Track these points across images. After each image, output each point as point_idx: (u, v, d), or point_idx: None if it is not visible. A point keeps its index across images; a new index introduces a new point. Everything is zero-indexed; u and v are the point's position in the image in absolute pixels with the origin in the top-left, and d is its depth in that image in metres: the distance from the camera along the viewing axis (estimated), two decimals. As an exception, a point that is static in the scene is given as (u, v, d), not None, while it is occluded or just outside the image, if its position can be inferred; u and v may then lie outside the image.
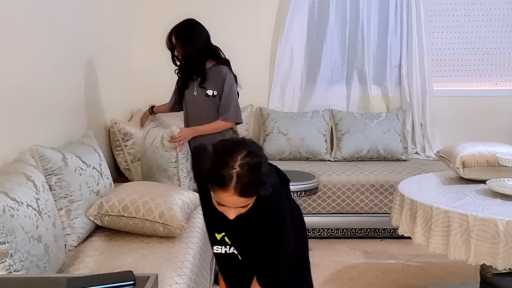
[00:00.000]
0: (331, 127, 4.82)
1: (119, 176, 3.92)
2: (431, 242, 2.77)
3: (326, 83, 4.94)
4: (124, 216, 2.77)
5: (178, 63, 3.41)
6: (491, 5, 4.87)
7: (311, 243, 4.10)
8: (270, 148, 4.70)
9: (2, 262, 1.90)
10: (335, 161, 4.68)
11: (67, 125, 3.19)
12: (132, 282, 1.59)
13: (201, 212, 2.20)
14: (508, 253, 2.55)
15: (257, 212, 1.74)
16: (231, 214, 1.69)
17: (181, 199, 2.89)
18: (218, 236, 1.96)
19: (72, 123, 3.26)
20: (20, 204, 2.09)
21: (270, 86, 4.96)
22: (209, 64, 3.37)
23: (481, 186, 3.09)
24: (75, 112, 3.34)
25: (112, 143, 3.92)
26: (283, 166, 4.39)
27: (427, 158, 4.82)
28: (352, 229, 4.28)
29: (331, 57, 4.89)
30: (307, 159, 4.70)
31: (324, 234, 4.28)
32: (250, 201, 1.68)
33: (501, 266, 2.56)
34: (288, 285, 1.98)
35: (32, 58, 2.76)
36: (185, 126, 3.53)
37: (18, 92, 2.60)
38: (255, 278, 1.90)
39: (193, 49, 3.30)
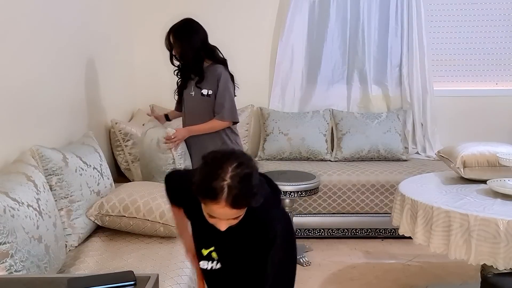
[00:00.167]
0: (332, 127, 4.82)
1: (120, 176, 3.91)
2: (432, 242, 2.77)
3: (326, 83, 4.94)
4: (124, 216, 2.77)
5: (176, 63, 3.41)
6: (492, 5, 4.87)
7: (312, 243, 4.13)
8: (271, 148, 4.70)
9: (3, 262, 1.91)
10: (335, 161, 4.68)
11: (67, 125, 3.19)
12: (132, 283, 1.59)
13: None
14: (509, 253, 2.55)
15: (247, 223, 1.73)
16: (223, 226, 1.68)
17: (181, 199, 2.89)
18: (205, 252, 1.94)
19: (72, 123, 3.26)
20: (20, 204, 2.09)
21: (270, 86, 4.96)
22: (206, 64, 3.37)
23: (482, 186, 3.09)
24: (76, 112, 3.34)
25: (112, 143, 3.92)
26: (283, 166, 4.47)
27: (427, 158, 4.82)
28: (353, 229, 4.28)
29: (331, 57, 4.89)
30: (308, 159, 4.70)
31: (324, 234, 4.28)
32: (241, 213, 1.67)
33: (501, 266, 2.56)
34: None
35: (33, 58, 2.76)
36: (183, 126, 3.53)
37: (18, 92, 2.60)
38: None
39: (190, 48, 3.30)
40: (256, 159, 4.73)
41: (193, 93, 3.39)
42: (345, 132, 4.72)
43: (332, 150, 4.78)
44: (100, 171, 2.96)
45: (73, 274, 2.19)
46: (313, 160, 4.68)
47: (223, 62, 3.38)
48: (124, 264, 2.47)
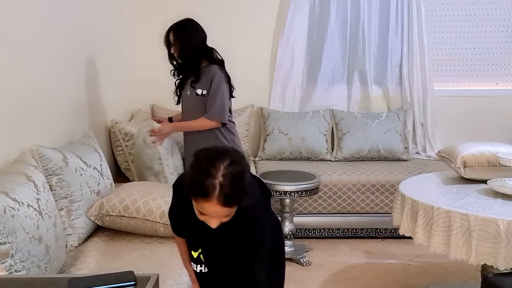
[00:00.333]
0: (332, 127, 4.82)
1: (120, 176, 3.91)
2: (432, 242, 2.77)
3: (327, 83, 4.94)
4: (125, 216, 2.77)
5: (174, 62, 3.41)
6: (492, 5, 4.87)
7: (312, 243, 4.13)
8: (271, 148, 4.70)
9: (3, 262, 1.90)
10: (336, 161, 4.68)
11: (67, 125, 3.19)
12: (133, 283, 1.59)
13: None
14: (509, 253, 2.55)
15: (236, 225, 1.72)
16: (213, 223, 1.67)
17: (182, 199, 2.89)
18: (195, 254, 1.94)
19: (72, 123, 3.26)
20: (20, 204, 2.09)
21: (270, 86, 4.96)
22: (203, 64, 3.38)
23: (482, 186, 3.08)
24: (76, 112, 3.34)
25: (112, 143, 3.92)
26: (284, 166, 4.47)
27: (428, 158, 4.82)
28: (353, 229, 4.28)
29: (332, 57, 4.89)
30: (308, 159, 4.69)
31: (325, 234, 4.28)
32: (232, 211, 1.66)
33: (502, 266, 2.56)
34: None
35: (32, 58, 2.75)
36: None
37: (18, 92, 2.60)
38: None
39: (189, 47, 3.31)
40: (257, 159, 4.73)
41: (189, 93, 3.41)
42: (346, 132, 4.72)
43: (333, 150, 4.77)
44: (100, 171, 2.96)
45: (73, 274, 2.19)
46: (313, 160, 4.68)
47: (219, 63, 3.37)
48: (124, 264, 2.47)
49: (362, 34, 4.82)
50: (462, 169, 3.19)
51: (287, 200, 3.84)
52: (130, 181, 3.73)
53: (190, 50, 3.31)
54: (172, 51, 3.35)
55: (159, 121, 3.63)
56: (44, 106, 2.87)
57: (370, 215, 4.25)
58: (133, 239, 2.80)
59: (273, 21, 4.90)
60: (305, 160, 4.68)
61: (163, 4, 4.75)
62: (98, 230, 2.88)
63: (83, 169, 2.77)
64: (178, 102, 3.57)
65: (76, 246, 2.66)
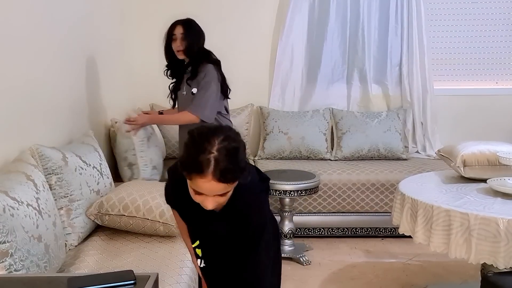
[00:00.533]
0: (332, 126, 4.82)
1: (119, 175, 3.91)
2: (432, 241, 2.77)
3: (326, 82, 4.94)
4: (124, 215, 2.77)
5: (169, 59, 3.39)
6: (492, 4, 4.87)
7: (312, 242, 4.13)
8: (271, 147, 4.70)
9: (2, 261, 1.90)
10: (335, 160, 4.68)
11: (67, 124, 3.19)
12: (132, 282, 1.58)
13: None
14: (509, 252, 2.55)
15: (234, 209, 1.69)
16: (209, 203, 1.62)
17: (181, 198, 2.89)
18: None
19: (72, 123, 3.26)
20: (20, 203, 2.08)
21: (270, 85, 4.95)
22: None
23: (482, 185, 3.08)
24: (76, 111, 3.34)
25: (112, 142, 3.91)
26: (283, 165, 4.47)
27: (427, 157, 4.82)
28: (353, 228, 4.28)
29: (331, 56, 4.89)
30: (308, 158, 4.69)
31: (324, 233, 4.28)
32: (229, 188, 1.61)
33: (502, 265, 2.56)
34: None
35: (32, 57, 2.75)
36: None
37: (18, 91, 2.59)
38: None
39: (197, 44, 3.32)
40: (256, 158, 4.73)
41: (184, 93, 3.40)
42: (345, 131, 4.71)
43: (332, 149, 4.77)
44: (99, 170, 2.96)
45: (73, 274, 2.18)
46: (313, 159, 4.68)
47: (215, 62, 3.35)
48: (124, 263, 2.46)
49: (361, 33, 4.82)
50: (462, 168, 3.18)
51: (287, 199, 3.84)
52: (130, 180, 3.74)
53: (197, 46, 3.31)
54: (176, 45, 3.31)
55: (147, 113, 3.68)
56: (44, 105, 2.87)
57: (370, 214, 4.25)
58: (133, 238, 2.80)
59: (272, 20, 4.90)
60: (304, 159, 4.68)
61: (163, 3, 4.75)
62: (97, 229, 2.88)
63: (82, 168, 2.77)
64: (174, 106, 3.56)
65: (76, 245, 2.66)
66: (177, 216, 2.05)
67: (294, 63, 4.90)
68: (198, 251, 1.90)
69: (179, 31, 3.31)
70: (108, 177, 3.07)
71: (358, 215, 4.26)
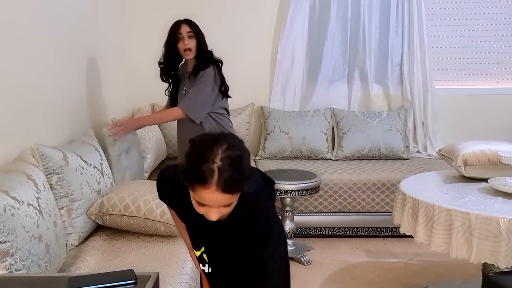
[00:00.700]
0: (333, 126, 4.81)
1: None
2: (433, 240, 2.76)
3: (327, 82, 4.94)
4: (125, 215, 2.76)
5: (166, 57, 3.34)
6: (493, 3, 4.86)
7: (313, 242, 4.13)
8: (272, 147, 4.69)
9: (3, 261, 1.90)
10: (336, 160, 4.67)
11: (68, 124, 3.19)
12: (133, 281, 1.58)
13: None
14: (510, 252, 2.54)
15: (239, 215, 1.61)
16: (213, 215, 1.55)
17: (182, 198, 2.88)
18: (197, 253, 1.84)
19: (73, 122, 3.26)
20: (20, 203, 2.08)
21: (271, 85, 4.95)
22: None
23: (483, 184, 3.08)
24: (76, 111, 3.34)
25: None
26: (284, 165, 4.46)
27: (428, 157, 4.81)
28: (354, 228, 4.27)
29: (332, 55, 4.88)
30: (309, 158, 4.69)
31: (325, 233, 4.28)
32: (233, 199, 1.54)
33: (503, 264, 2.56)
34: None
35: (33, 57, 2.75)
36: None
37: (18, 91, 2.59)
38: None
39: (205, 42, 3.29)
40: (257, 158, 4.73)
41: (184, 91, 3.35)
42: (346, 131, 4.71)
43: (333, 149, 4.77)
44: (100, 170, 2.96)
45: (73, 273, 2.19)
46: (314, 159, 4.67)
47: (217, 62, 3.32)
48: (125, 263, 2.46)
49: (362, 32, 4.82)
50: (463, 168, 3.18)
51: (288, 199, 3.84)
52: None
53: (205, 44, 3.29)
54: (183, 44, 3.25)
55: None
56: (44, 105, 2.87)
57: (371, 214, 4.25)
58: (134, 238, 2.79)
59: (273, 20, 4.90)
60: (305, 159, 4.68)
61: (163, 3, 4.75)
62: (98, 229, 2.88)
63: (83, 168, 2.77)
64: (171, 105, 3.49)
65: (77, 245, 2.66)
66: (175, 215, 1.98)
67: (295, 62, 4.89)
68: (205, 256, 1.83)
69: (185, 29, 3.24)
70: (109, 177, 3.07)
71: (359, 215, 4.25)
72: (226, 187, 1.48)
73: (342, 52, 4.89)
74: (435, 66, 4.91)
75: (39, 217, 2.18)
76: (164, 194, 1.90)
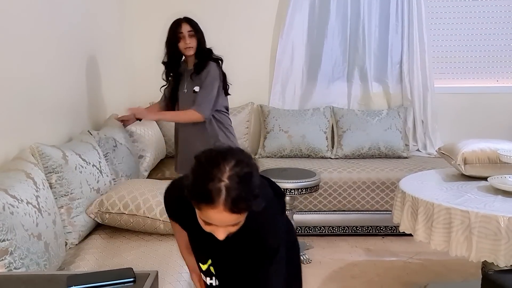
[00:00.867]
0: (332, 125, 4.81)
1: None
2: (433, 239, 2.76)
3: (327, 81, 4.93)
4: (124, 213, 2.76)
5: (168, 56, 3.34)
6: (492, 2, 4.86)
7: (313, 241, 4.13)
8: (271, 145, 4.69)
9: (2, 259, 1.90)
10: (336, 158, 4.67)
11: (67, 123, 3.19)
12: (132, 279, 1.58)
13: None
14: (510, 250, 2.54)
15: (248, 232, 1.54)
16: (221, 234, 1.48)
17: (181, 197, 2.88)
18: (203, 267, 1.78)
19: (72, 121, 3.26)
20: (20, 201, 2.08)
21: (270, 84, 4.95)
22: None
23: (483, 183, 3.08)
24: (76, 110, 3.34)
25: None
26: (284, 163, 4.46)
27: (428, 155, 4.82)
28: (354, 226, 4.27)
29: (332, 54, 4.88)
30: (308, 156, 4.69)
31: (325, 231, 4.28)
32: (241, 218, 1.47)
33: (502, 263, 2.56)
34: None
35: (32, 55, 2.75)
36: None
37: (18, 89, 2.59)
38: None
39: (205, 40, 3.29)
40: (257, 156, 4.72)
41: (185, 90, 3.34)
42: (346, 130, 4.71)
43: (333, 147, 4.77)
44: (99, 169, 2.96)
45: (72, 272, 2.18)
46: (313, 158, 4.67)
47: (216, 60, 3.32)
48: (124, 261, 2.46)
49: (362, 31, 4.82)
50: (462, 166, 3.18)
51: (287, 198, 3.83)
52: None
53: (205, 42, 3.29)
54: (185, 42, 3.25)
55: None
56: (43, 103, 2.87)
57: (371, 212, 4.25)
58: (133, 236, 2.79)
59: (273, 18, 4.89)
60: (305, 157, 4.68)
61: (163, 1, 4.74)
62: (98, 227, 2.88)
63: (82, 167, 2.76)
64: (169, 103, 3.48)
65: (76, 244, 2.65)
66: (176, 227, 1.92)
67: (295, 61, 4.89)
68: (212, 269, 1.78)
69: (186, 28, 3.24)
70: (107, 175, 3.06)
71: (358, 213, 4.25)
72: (234, 207, 1.41)
73: (341, 50, 4.89)
74: (434, 65, 4.91)
75: (38, 215, 2.18)
76: (172, 211, 1.85)
